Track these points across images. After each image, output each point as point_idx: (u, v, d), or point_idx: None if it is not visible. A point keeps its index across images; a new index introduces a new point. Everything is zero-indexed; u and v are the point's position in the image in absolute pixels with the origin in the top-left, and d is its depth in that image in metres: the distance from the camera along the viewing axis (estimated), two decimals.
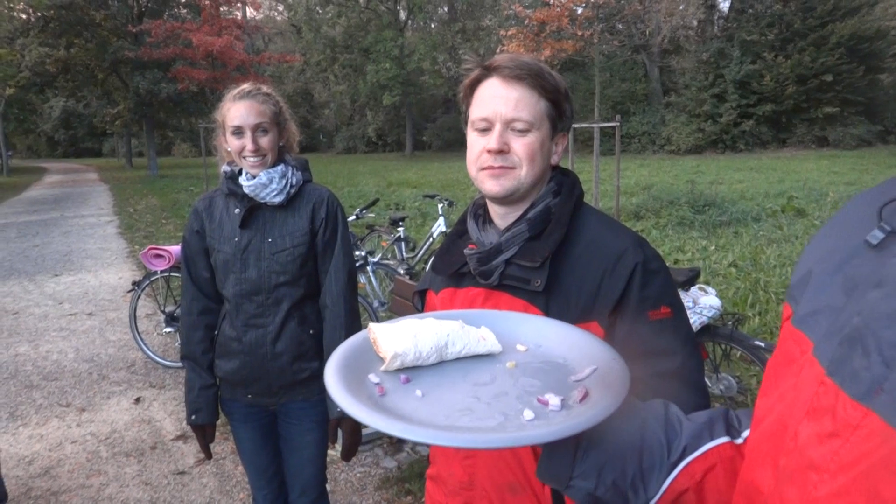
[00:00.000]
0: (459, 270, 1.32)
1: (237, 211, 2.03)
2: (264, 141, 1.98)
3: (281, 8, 53.36)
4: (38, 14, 28.01)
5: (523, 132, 1.21)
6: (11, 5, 28.18)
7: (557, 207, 1.26)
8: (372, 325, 0.91)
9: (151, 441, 3.98)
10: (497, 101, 1.20)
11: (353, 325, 2.09)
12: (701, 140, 28.60)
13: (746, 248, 8.65)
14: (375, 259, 6.11)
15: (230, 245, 2.03)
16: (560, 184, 1.30)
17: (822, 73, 26.35)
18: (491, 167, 1.22)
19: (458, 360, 0.87)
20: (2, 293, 7.91)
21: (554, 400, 0.76)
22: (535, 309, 1.18)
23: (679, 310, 1.21)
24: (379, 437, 3.86)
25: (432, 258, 1.43)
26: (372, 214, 7.16)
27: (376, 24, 38.67)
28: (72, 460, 3.78)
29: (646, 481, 0.74)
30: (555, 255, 1.21)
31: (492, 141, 1.20)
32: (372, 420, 0.70)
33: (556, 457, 0.77)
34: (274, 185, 1.99)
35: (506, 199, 1.25)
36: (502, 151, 1.20)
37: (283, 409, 2.18)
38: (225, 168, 2.08)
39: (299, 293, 2.06)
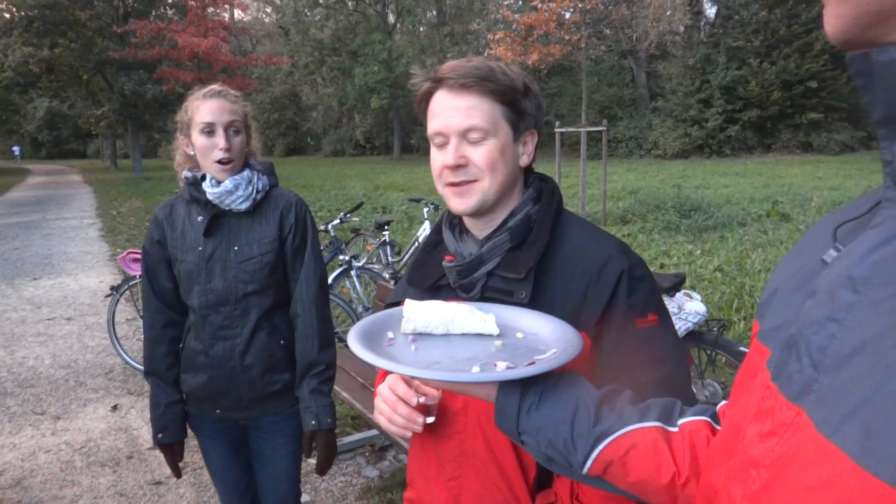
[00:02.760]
0: (437, 283, 1.26)
1: (200, 219, 1.93)
2: (236, 141, 1.90)
3: (269, 10, 53.17)
4: (22, 13, 27.70)
5: (479, 141, 1.15)
6: None
7: (538, 215, 1.20)
8: (407, 300, 1.10)
9: (128, 450, 3.89)
10: (448, 114, 1.15)
11: (326, 333, 2.01)
12: (687, 145, 28.75)
13: (732, 252, 8.66)
14: (360, 263, 6.04)
15: (194, 254, 1.93)
16: (539, 190, 1.24)
17: (806, 80, 26.57)
18: (453, 183, 1.17)
19: (463, 336, 1.04)
20: None
21: (501, 365, 0.92)
22: None
23: (665, 316, 1.18)
24: (361, 446, 3.79)
25: (407, 270, 1.38)
26: (356, 218, 7.09)
27: (365, 27, 38.61)
28: (45, 470, 3.68)
29: (576, 446, 0.86)
30: (538, 265, 1.17)
31: (448, 156, 1.15)
32: (352, 344, 0.96)
33: (504, 414, 0.92)
34: (240, 192, 1.90)
35: (475, 215, 1.21)
36: (459, 166, 1.15)
37: (254, 424, 2.08)
38: (186, 174, 1.97)
39: (268, 302, 1.97)
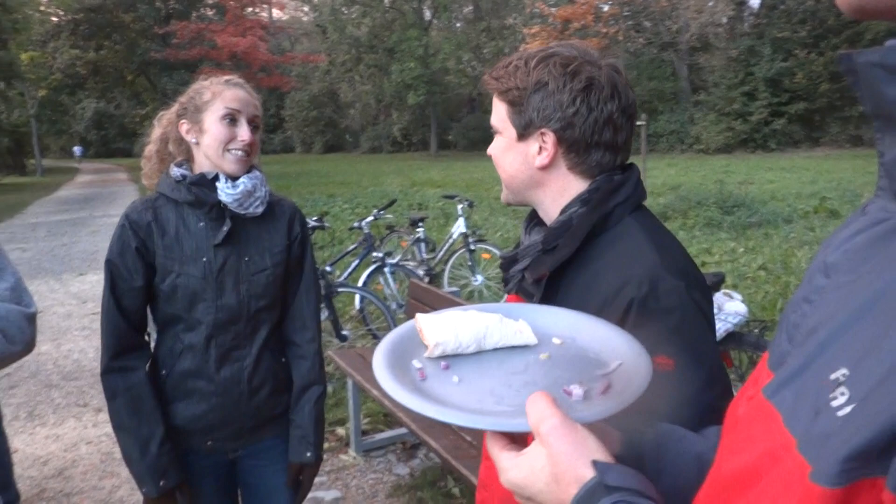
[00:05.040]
0: None
1: (202, 224, 1.70)
2: (256, 138, 1.72)
3: (306, 8, 53.71)
4: (69, 17, 28.54)
5: (496, 137, 1.21)
6: (42, 9, 28.77)
7: (578, 219, 1.11)
8: (419, 315, 0.96)
9: None
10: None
11: (321, 350, 1.92)
12: (731, 139, 28.07)
13: (777, 250, 8.42)
14: (394, 260, 6.04)
15: (198, 267, 1.69)
16: (594, 190, 1.13)
17: None
18: None
19: (495, 350, 0.91)
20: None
21: (577, 390, 0.78)
22: None
23: (688, 361, 0.98)
24: (392, 443, 3.79)
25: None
26: (391, 215, 7.08)
27: (401, 24, 38.68)
28: (86, 461, 3.77)
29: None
30: (563, 274, 1.11)
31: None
32: (411, 402, 0.75)
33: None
34: (258, 193, 1.73)
35: (514, 205, 1.25)
36: (490, 155, 1.24)
37: (248, 453, 1.87)
38: (180, 171, 1.72)
39: (275, 317, 1.83)
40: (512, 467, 0.68)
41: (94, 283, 8.48)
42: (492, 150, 1.22)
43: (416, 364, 0.88)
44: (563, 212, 1.14)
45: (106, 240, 10.83)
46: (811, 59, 26.57)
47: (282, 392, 1.86)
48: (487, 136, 1.23)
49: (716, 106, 29.14)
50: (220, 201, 1.68)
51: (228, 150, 1.68)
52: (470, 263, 6.50)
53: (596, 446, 0.62)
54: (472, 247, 6.46)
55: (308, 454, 1.84)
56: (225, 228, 1.70)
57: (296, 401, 1.87)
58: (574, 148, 1.12)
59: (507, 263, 1.20)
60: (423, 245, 6.82)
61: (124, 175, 34.03)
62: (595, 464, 0.61)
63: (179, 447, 1.77)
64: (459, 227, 6.69)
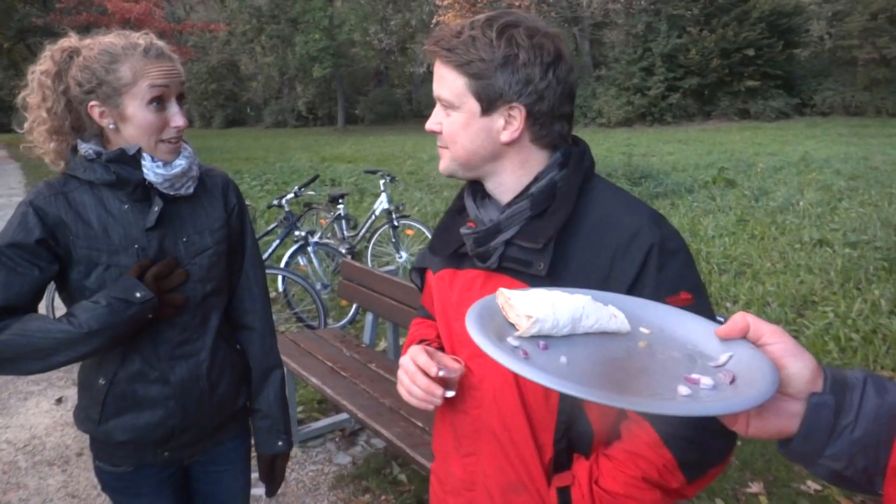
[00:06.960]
0: (459, 250, 1.23)
1: (126, 207, 1.47)
2: (184, 115, 1.51)
3: None
4: None
5: (447, 111, 1.15)
6: None
7: (563, 181, 1.15)
8: (503, 289, 0.89)
9: (77, 447, 3.62)
10: (435, 80, 1.16)
11: (274, 328, 1.79)
12: (630, 113, 29.06)
13: (684, 219, 8.77)
14: (315, 238, 5.82)
15: (129, 256, 1.45)
16: (567, 155, 1.17)
17: (744, 48, 27.09)
18: (439, 146, 1.20)
19: (586, 335, 0.85)
20: None
21: (706, 380, 0.73)
22: None
23: (700, 293, 1.12)
24: (330, 431, 3.64)
25: (431, 237, 1.34)
26: (312, 192, 6.83)
27: None
28: None
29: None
30: (560, 235, 1.12)
31: (428, 121, 1.20)
32: (570, 388, 0.66)
33: (810, 438, 0.72)
34: (193, 172, 1.53)
35: (453, 178, 1.23)
36: (434, 132, 1.18)
37: (205, 458, 1.70)
38: (91, 147, 1.45)
39: (224, 302, 1.65)
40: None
41: None
42: (446, 125, 1.15)
43: (513, 342, 0.80)
44: (537, 179, 1.15)
45: None
46: (703, 35, 27.78)
47: (240, 383, 1.70)
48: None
49: (616, 81, 30.05)
50: (145, 179, 1.45)
51: (161, 141, 1.46)
52: (394, 240, 6.35)
53: None
54: (396, 223, 6.31)
55: (280, 443, 1.71)
56: (156, 209, 1.47)
57: (258, 388, 1.72)
58: (540, 121, 1.13)
59: (487, 236, 1.15)
60: (344, 222, 6.61)
61: (3, 152, 31.31)
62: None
63: (129, 464, 1.59)
64: (382, 202, 6.53)
